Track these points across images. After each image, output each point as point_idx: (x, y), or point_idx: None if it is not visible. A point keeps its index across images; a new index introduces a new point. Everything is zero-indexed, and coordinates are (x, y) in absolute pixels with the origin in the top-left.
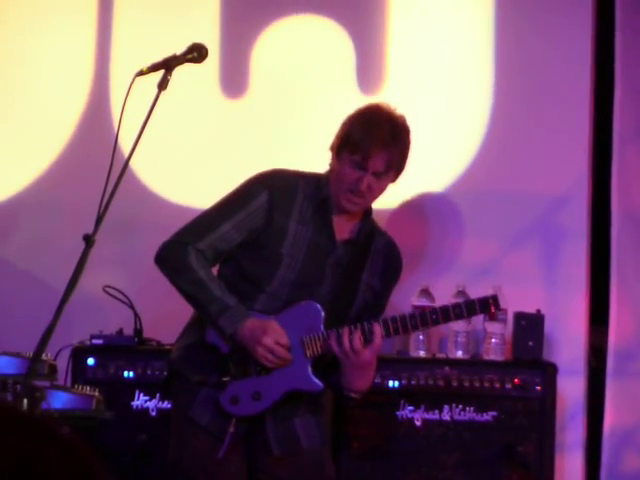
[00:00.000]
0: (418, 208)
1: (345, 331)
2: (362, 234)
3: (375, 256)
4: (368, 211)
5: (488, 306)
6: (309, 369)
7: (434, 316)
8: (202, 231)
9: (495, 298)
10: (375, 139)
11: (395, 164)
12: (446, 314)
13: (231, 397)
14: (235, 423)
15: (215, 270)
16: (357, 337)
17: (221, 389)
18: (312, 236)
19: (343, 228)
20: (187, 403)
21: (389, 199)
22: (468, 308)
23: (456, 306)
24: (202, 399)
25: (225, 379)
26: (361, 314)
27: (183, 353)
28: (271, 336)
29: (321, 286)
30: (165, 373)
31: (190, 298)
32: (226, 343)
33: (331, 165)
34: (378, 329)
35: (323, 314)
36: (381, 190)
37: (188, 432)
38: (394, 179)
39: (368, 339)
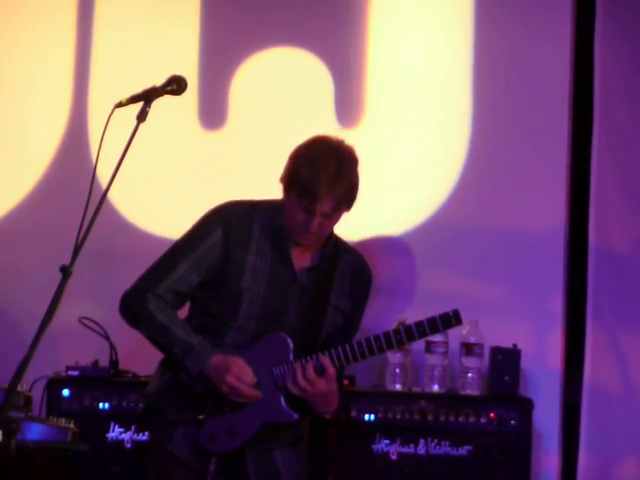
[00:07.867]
0: (396, 241)
1: (298, 366)
2: (324, 259)
3: (341, 278)
4: (330, 235)
5: (449, 321)
6: (282, 401)
7: (398, 337)
8: (160, 275)
9: (456, 312)
10: (321, 182)
11: (344, 200)
12: (409, 333)
13: (208, 435)
14: (215, 461)
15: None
16: (310, 370)
17: (198, 427)
18: (271, 267)
19: (303, 256)
20: (166, 438)
21: (370, 232)
22: (430, 325)
23: (419, 324)
24: (180, 435)
25: (200, 417)
26: (333, 337)
27: (159, 388)
28: (234, 374)
29: (286, 316)
30: (141, 406)
31: (155, 343)
32: (196, 383)
33: (283, 197)
34: (326, 361)
35: (291, 345)
36: (334, 223)
37: (167, 466)
38: (348, 209)
39: (320, 371)
